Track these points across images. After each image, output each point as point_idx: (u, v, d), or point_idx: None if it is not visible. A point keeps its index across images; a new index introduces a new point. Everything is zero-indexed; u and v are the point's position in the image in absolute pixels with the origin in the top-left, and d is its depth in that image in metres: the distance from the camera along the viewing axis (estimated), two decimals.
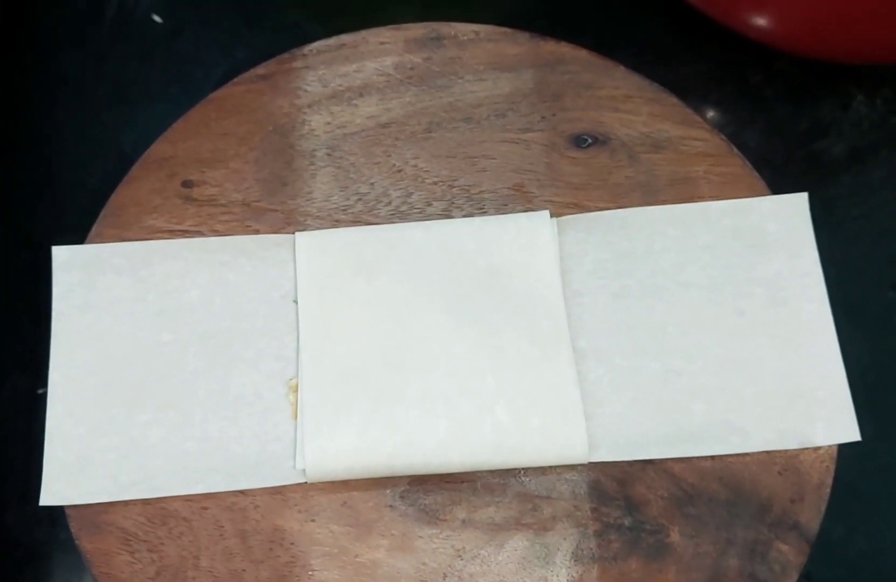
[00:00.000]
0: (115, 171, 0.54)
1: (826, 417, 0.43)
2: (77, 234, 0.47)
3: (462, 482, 0.42)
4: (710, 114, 0.56)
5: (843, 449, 0.43)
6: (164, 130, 0.49)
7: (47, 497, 0.42)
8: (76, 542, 0.42)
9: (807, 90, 0.57)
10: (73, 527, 0.42)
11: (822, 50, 0.55)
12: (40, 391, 0.51)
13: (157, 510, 0.42)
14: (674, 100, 0.49)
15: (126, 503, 0.42)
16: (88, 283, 0.45)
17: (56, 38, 0.63)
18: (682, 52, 0.57)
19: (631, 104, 0.49)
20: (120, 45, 0.62)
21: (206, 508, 0.42)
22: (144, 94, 0.60)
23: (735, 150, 0.48)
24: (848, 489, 0.43)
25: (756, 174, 0.47)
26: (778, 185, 0.48)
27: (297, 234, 0.46)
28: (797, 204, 0.46)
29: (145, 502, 0.42)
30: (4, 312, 0.53)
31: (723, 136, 0.48)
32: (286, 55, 0.50)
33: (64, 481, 0.42)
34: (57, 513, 0.48)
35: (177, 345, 0.44)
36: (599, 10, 0.59)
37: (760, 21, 0.53)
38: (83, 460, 0.42)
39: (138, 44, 0.62)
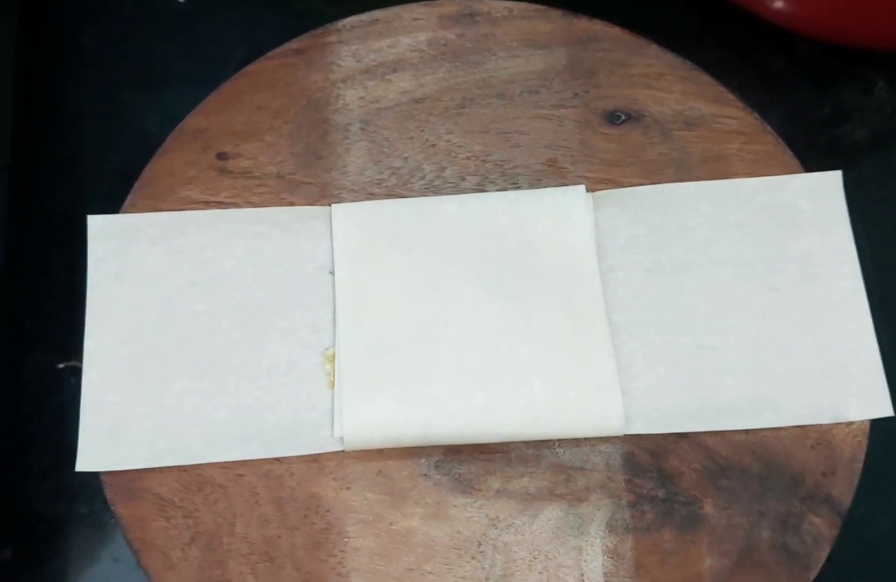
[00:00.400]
0: (137, 151, 0.54)
1: (859, 392, 0.43)
2: (96, 212, 0.47)
3: (496, 453, 0.43)
4: None
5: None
6: (186, 110, 0.50)
7: (83, 463, 0.42)
8: (111, 508, 0.42)
9: (828, 75, 0.58)
10: (109, 493, 0.42)
11: (843, 35, 0.55)
12: (61, 366, 0.51)
13: (193, 477, 0.42)
14: (706, 78, 0.49)
15: (161, 470, 0.42)
16: (123, 253, 0.46)
17: (79, 18, 0.63)
18: (703, 37, 0.58)
19: (664, 82, 0.49)
20: (142, 25, 0.63)
21: (241, 475, 0.42)
22: (166, 74, 0.61)
23: (768, 128, 0.48)
24: (870, 470, 0.43)
25: (789, 152, 0.48)
26: (803, 169, 0.48)
27: (333, 205, 0.46)
28: (831, 181, 0.47)
29: (181, 469, 0.42)
30: (26, 290, 0.54)
31: (756, 115, 0.48)
32: (320, 30, 0.51)
33: (99, 448, 0.43)
34: (78, 487, 0.49)
35: (211, 315, 0.45)
36: None
37: (782, 5, 0.54)
38: (118, 427, 0.43)
39: (160, 25, 0.63)
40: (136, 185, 0.47)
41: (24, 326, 0.53)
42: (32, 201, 0.56)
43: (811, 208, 0.46)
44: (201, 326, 0.44)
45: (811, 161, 0.48)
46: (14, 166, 0.55)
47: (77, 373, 0.49)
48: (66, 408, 0.51)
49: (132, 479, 0.42)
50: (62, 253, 0.54)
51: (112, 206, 0.48)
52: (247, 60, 0.51)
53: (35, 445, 0.51)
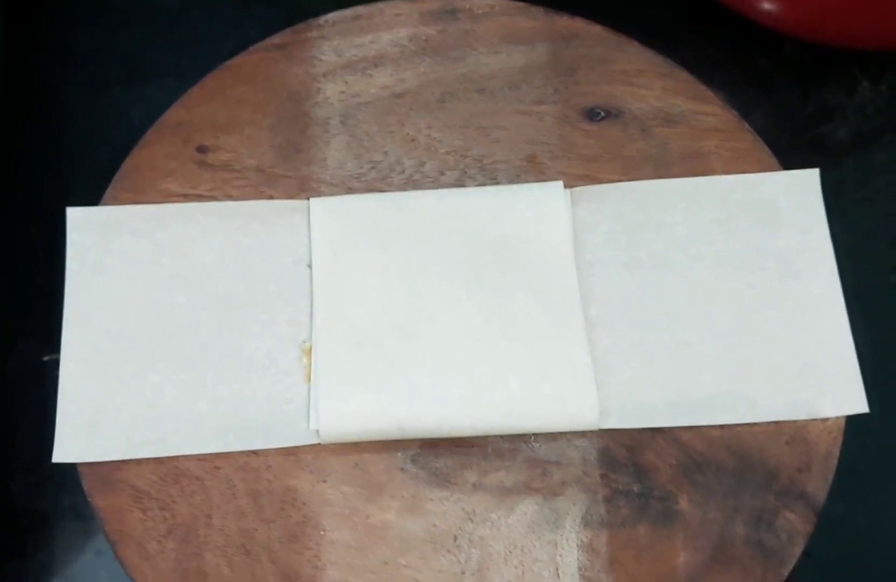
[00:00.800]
0: (124, 146, 0.54)
1: (834, 388, 0.44)
2: (81, 206, 0.47)
3: (472, 447, 0.43)
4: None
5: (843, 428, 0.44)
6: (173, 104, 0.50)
7: (60, 454, 0.43)
8: (88, 499, 0.42)
9: (813, 74, 0.58)
10: (86, 484, 0.42)
11: (828, 35, 0.56)
12: (45, 359, 0.51)
13: (170, 469, 0.42)
14: (686, 75, 0.50)
15: (139, 462, 0.43)
16: (103, 245, 0.46)
17: (67, 12, 0.63)
18: (689, 36, 0.58)
19: (644, 79, 0.50)
20: (130, 19, 0.63)
21: (218, 468, 0.42)
22: (154, 68, 0.61)
23: (746, 125, 0.48)
24: (848, 468, 0.43)
25: (767, 150, 0.48)
26: (784, 167, 0.48)
27: (311, 199, 0.47)
28: (808, 179, 0.47)
29: (158, 461, 0.43)
30: (11, 282, 0.54)
31: (734, 112, 0.49)
32: (302, 25, 0.51)
33: (77, 439, 0.43)
34: (61, 481, 0.49)
35: (191, 307, 0.45)
36: None
37: (767, 5, 0.54)
38: (96, 419, 0.43)
39: (148, 19, 0.63)
40: (115, 178, 0.47)
41: (8, 319, 0.53)
42: (18, 195, 0.56)
43: (789, 206, 0.47)
44: (180, 318, 0.45)
45: (794, 159, 0.49)
46: (0, 160, 0.55)
47: None
48: (49, 401, 0.51)
49: (110, 470, 0.42)
50: (47, 246, 0.54)
51: (97, 198, 0.48)
52: (234, 54, 0.51)
53: (18, 438, 0.51)
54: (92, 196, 0.48)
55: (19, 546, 0.49)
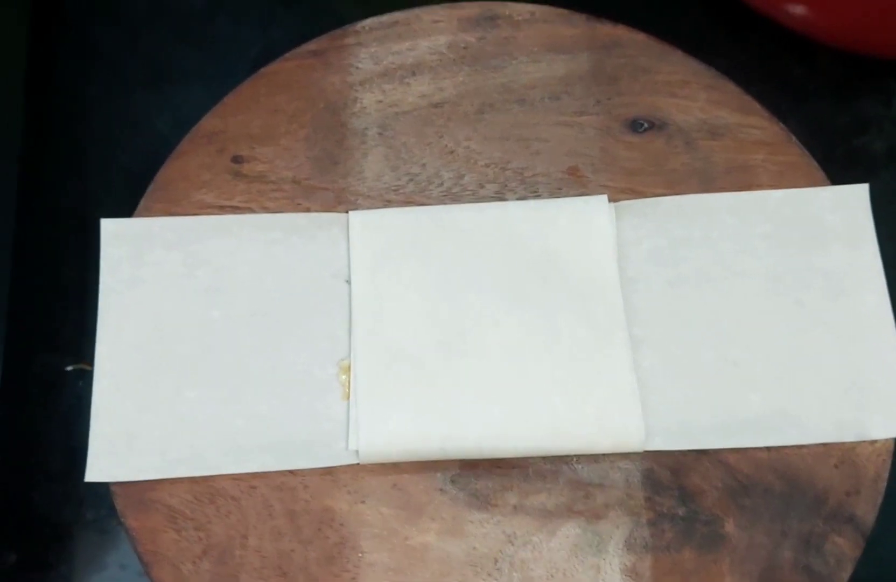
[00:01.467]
0: (148, 150, 0.55)
1: (884, 409, 0.43)
2: (106, 213, 0.47)
3: (513, 468, 0.43)
4: None
5: None
6: (197, 109, 0.50)
7: (93, 473, 0.42)
8: (121, 519, 0.42)
9: (848, 85, 0.58)
10: (119, 504, 0.42)
11: (864, 44, 0.55)
12: (68, 368, 0.52)
13: (205, 488, 0.42)
14: (732, 86, 0.49)
15: (173, 481, 0.42)
16: (137, 258, 0.46)
17: (91, 16, 0.63)
18: (723, 44, 0.58)
19: (688, 89, 0.49)
20: (155, 22, 0.63)
21: (254, 487, 0.42)
22: (178, 73, 0.61)
23: (794, 139, 0.48)
24: (893, 489, 0.43)
25: (815, 164, 0.48)
26: (830, 182, 0.48)
27: (350, 212, 0.47)
28: (857, 194, 0.47)
29: (192, 480, 0.42)
30: (34, 290, 0.54)
31: (781, 125, 0.48)
32: (338, 31, 0.51)
33: (110, 458, 0.43)
34: (85, 493, 0.49)
35: (227, 322, 0.45)
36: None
37: (802, 12, 0.54)
38: (130, 437, 0.43)
39: (173, 22, 0.63)
40: (150, 189, 0.47)
41: (31, 327, 0.54)
42: (42, 200, 0.56)
43: (837, 222, 0.46)
44: (217, 333, 0.45)
45: (830, 172, 0.48)
46: (24, 164, 0.55)
47: (85, 376, 0.50)
48: (73, 411, 0.52)
49: (143, 490, 0.42)
50: (71, 252, 0.55)
51: (122, 205, 0.48)
52: (260, 59, 0.51)
53: (42, 448, 0.51)
54: (116, 201, 0.49)
55: (42, 557, 0.50)
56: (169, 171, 0.48)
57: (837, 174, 0.48)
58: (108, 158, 0.58)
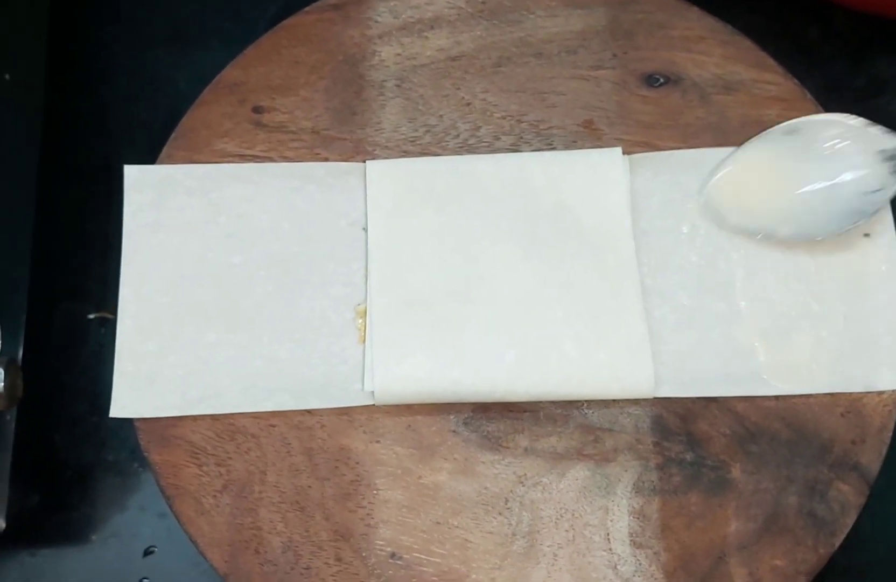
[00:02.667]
0: (168, 106, 0.56)
1: (891, 362, 0.45)
2: (129, 162, 0.49)
3: (524, 412, 0.45)
4: None
5: None
6: (217, 66, 0.52)
7: (117, 409, 0.45)
8: (145, 454, 0.45)
9: (865, 46, 0.58)
10: (142, 439, 0.45)
11: (881, 4, 0.56)
12: (90, 316, 0.54)
13: (226, 426, 0.45)
14: (748, 42, 0.51)
15: (195, 418, 0.45)
16: (159, 204, 0.48)
17: None
18: (738, 5, 0.58)
19: (704, 45, 0.51)
20: None
21: (273, 426, 0.45)
22: (198, 29, 0.62)
23: (808, 95, 0.50)
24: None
25: None
26: None
27: (367, 162, 0.49)
28: None
29: (213, 418, 0.45)
30: (56, 240, 0.56)
31: (796, 81, 0.50)
32: None
33: (133, 395, 0.45)
34: (105, 436, 0.51)
35: (246, 267, 0.47)
36: None
37: None
38: (152, 376, 0.45)
39: None
40: (172, 137, 0.50)
41: (54, 276, 0.56)
42: (64, 154, 0.58)
43: None
44: (236, 277, 0.47)
45: None
46: (47, 119, 0.57)
47: (106, 323, 0.52)
48: (94, 358, 0.54)
49: (165, 426, 0.45)
50: (93, 204, 0.57)
51: (142, 158, 0.50)
52: (279, 16, 0.53)
53: (64, 393, 0.53)
54: (136, 154, 0.50)
55: (64, 498, 0.52)
56: (191, 121, 0.50)
57: None
58: (129, 114, 0.60)
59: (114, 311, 0.47)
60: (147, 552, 0.51)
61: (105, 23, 0.63)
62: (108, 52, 0.62)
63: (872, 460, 0.44)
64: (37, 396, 0.50)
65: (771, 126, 0.49)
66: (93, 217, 0.57)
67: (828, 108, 0.50)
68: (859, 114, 0.48)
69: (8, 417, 0.50)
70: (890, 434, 0.44)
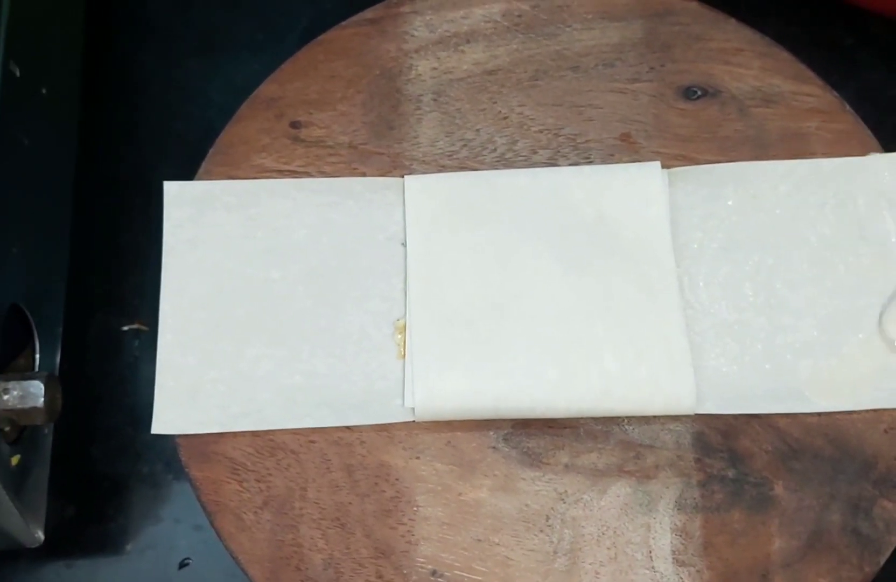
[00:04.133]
0: (200, 118, 0.57)
1: None
2: (161, 177, 0.50)
3: (564, 428, 0.45)
4: None
5: None
6: (249, 77, 0.52)
7: (159, 426, 0.45)
8: (186, 470, 0.45)
9: None
10: (183, 456, 0.45)
11: None
12: (125, 328, 0.54)
13: (266, 442, 0.45)
14: (786, 54, 0.51)
15: (235, 434, 0.45)
16: (198, 219, 0.48)
17: None
18: (772, 13, 0.59)
19: (742, 57, 0.51)
20: None
21: (313, 442, 0.45)
22: (230, 42, 0.63)
23: (847, 107, 0.50)
24: None
25: (868, 132, 0.49)
26: (885, 151, 0.49)
27: (406, 176, 0.49)
28: None
29: (254, 434, 0.45)
30: (91, 252, 0.57)
31: (835, 93, 0.50)
32: (394, 0, 0.53)
33: (174, 411, 0.45)
34: (140, 449, 0.52)
35: (285, 282, 0.47)
36: None
37: None
38: (193, 391, 0.46)
39: None
40: (210, 152, 0.50)
41: (90, 288, 0.56)
42: (100, 166, 0.59)
43: (891, 190, 0.48)
44: (275, 293, 0.47)
45: (882, 141, 0.49)
46: (83, 133, 0.58)
47: (140, 336, 0.53)
48: (130, 370, 0.54)
49: (206, 442, 0.45)
50: (128, 217, 0.57)
51: (176, 169, 0.50)
52: (310, 28, 0.54)
53: (99, 405, 0.54)
54: (170, 166, 0.51)
55: (100, 509, 0.52)
56: (229, 136, 0.50)
57: (890, 144, 0.49)
58: (162, 126, 0.61)
59: (149, 322, 0.48)
60: (182, 564, 0.52)
61: (139, 36, 0.64)
62: (141, 65, 0.63)
63: None
64: (73, 409, 0.51)
65: (810, 137, 0.49)
66: (128, 229, 0.57)
67: (862, 117, 0.49)
68: (894, 122, 0.48)
69: (45, 431, 0.50)
70: None
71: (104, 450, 0.53)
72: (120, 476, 0.53)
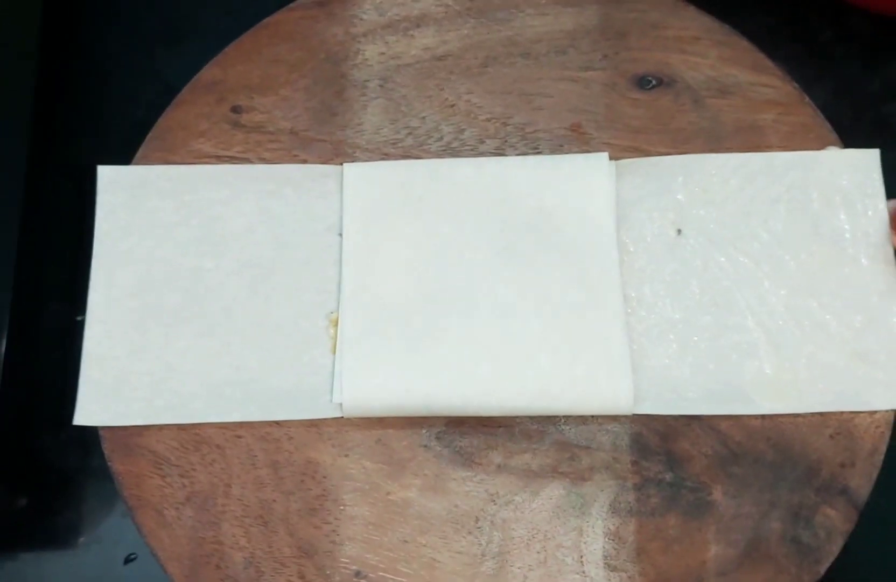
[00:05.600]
0: (162, 105, 0.56)
1: (886, 380, 0.44)
2: (121, 163, 0.49)
3: (499, 427, 0.44)
4: None
5: None
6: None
7: (81, 417, 0.45)
8: (108, 463, 0.44)
9: (879, 49, 0.57)
10: (106, 448, 0.45)
11: None
12: (79, 318, 0.54)
13: (191, 436, 0.45)
14: (745, 43, 0.50)
15: (160, 427, 0.45)
16: (132, 205, 0.48)
17: None
18: (750, 5, 0.58)
19: (699, 46, 0.50)
20: None
21: (239, 437, 0.44)
22: (195, 28, 0.63)
23: (807, 99, 0.49)
24: (891, 463, 0.44)
25: (828, 125, 0.48)
26: (844, 146, 0.48)
27: (345, 164, 0.48)
28: (867, 160, 0.47)
29: (179, 427, 0.45)
30: (46, 240, 0.56)
31: (795, 84, 0.49)
32: None
33: (99, 403, 0.45)
34: (90, 440, 0.51)
35: (218, 272, 0.47)
36: None
37: None
38: (119, 383, 0.45)
39: None
40: (148, 137, 0.49)
41: (43, 278, 0.56)
42: (54, 152, 0.59)
43: (846, 186, 0.47)
44: (207, 283, 0.47)
45: (856, 138, 0.48)
46: (37, 119, 0.58)
47: None
48: (80, 361, 0.54)
49: (130, 435, 0.45)
50: (83, 204, 0.57)
51: (131, 159, 0.50)
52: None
53: (50, 395, 0.54)
54: (126, 155, 0.50)
55: (48, 503, 0.52)
56: (168, 121, 0.50)
57: (865, 141, 0.48)
58: (122, 111, 0.60)
59: None
60: (128, 559, 0.51)
61: (100, 21, 0.63)
62: (103, 51, 0.62)
63: (862, 485, 0.43)
64: (23, 399, 0.50)
65: (766, 130, 0.48)
66: (82, 216, 0.57)
67: (838, 114, 0.48)
68: (872, 119, 0.47)
69: None
70: (882, 457, 0.43)
71: (53, 443, 0.53)
72: (69, 468, 0.53)
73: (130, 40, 0.62)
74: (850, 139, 0.49)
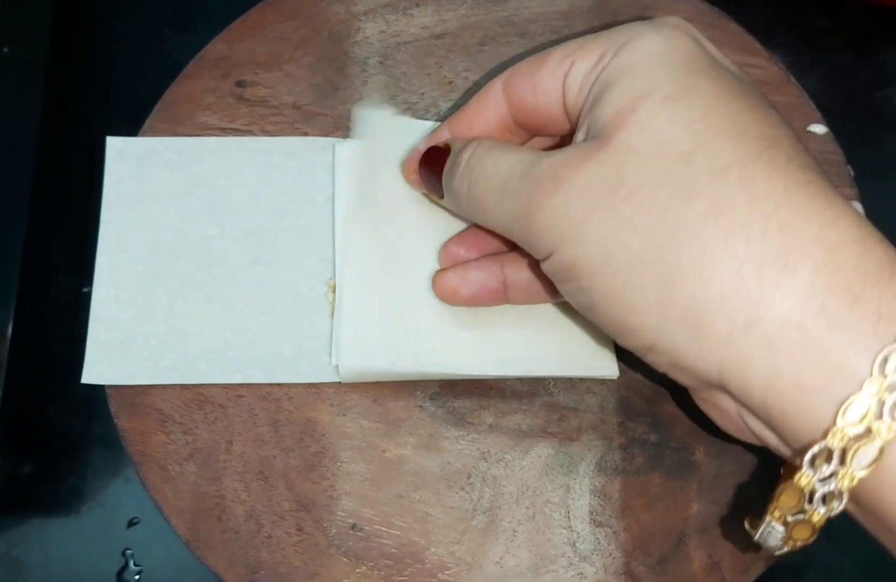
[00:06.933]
0: (170, 82, 0.59)
1: None
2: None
3: (491, 389, 0.47)
4: None
5: None
6: None
7: (89, 376, 0.47)
8: (114, 420, 0.47)
9: (872, 38, 0.59)
10: (113, 406, 0.47)
11: None
12: (85, 290, 0.56)
13: (194, 395, 0.47)
14: (734, 26, 0.52)
15: (165, 387, 0.47)
16: (139, 175, 0.50)
17: None
18: None
19: None
20: None
21: (241, 396, 0.47)
22: (204, 9, 0.65)
23: (793, 79, 0.51)
24: None
25: (812, 104, 0.50)
26: (837, 133, 0.50)
27: (336, 141, 0.51)
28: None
29: (183, 387, 0.47)
30: (54, 213, 0.59)
31: (781, 65, 0.51)
32: None
33: (105, 362, 0.47)
34: (93, 409, 0.54)
35: (222, 240, 0.49)
36: None
37: None
38: (125, 344, 0.48)
39: None
40: (155, 109, 0.52)
41: (51, 249, 0.58)
42: (63, 128, 0.61)
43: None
44: (212, 250, 0.49)
45: (850, 125, 0.50)
46: (48, 93, 0.60)
47: None
48: (88, 331, 0.56)
49: (136, 393, 0.47)
50: (91, 178, 0.59)
51: (138, 132, 0.52)
52: None
53: (57, 365, 0.56)
54: (135, 131, 0.53)
55: (53, 468, 0.54)
56: (174, 94, 0.52)
57: (857, 128, 0.50)
58: (130, 88, 0.62)
59: None
60: (131, 523, 0.53)
61: (112, 3, 0.65)
62: (112, 31, 0.65)
63: None
64: (30, 367, 0.52)
65: None
66: (90, 189, 0.59)
67: (832, 101, 0.50)
68: (864, 106, 0.49)
69: None
70: None
71: (60, 409, 0.55)
72: (73, 435, 0.55)
73: (140, 22, 0.65)
74: (843, 125, 0.51)
